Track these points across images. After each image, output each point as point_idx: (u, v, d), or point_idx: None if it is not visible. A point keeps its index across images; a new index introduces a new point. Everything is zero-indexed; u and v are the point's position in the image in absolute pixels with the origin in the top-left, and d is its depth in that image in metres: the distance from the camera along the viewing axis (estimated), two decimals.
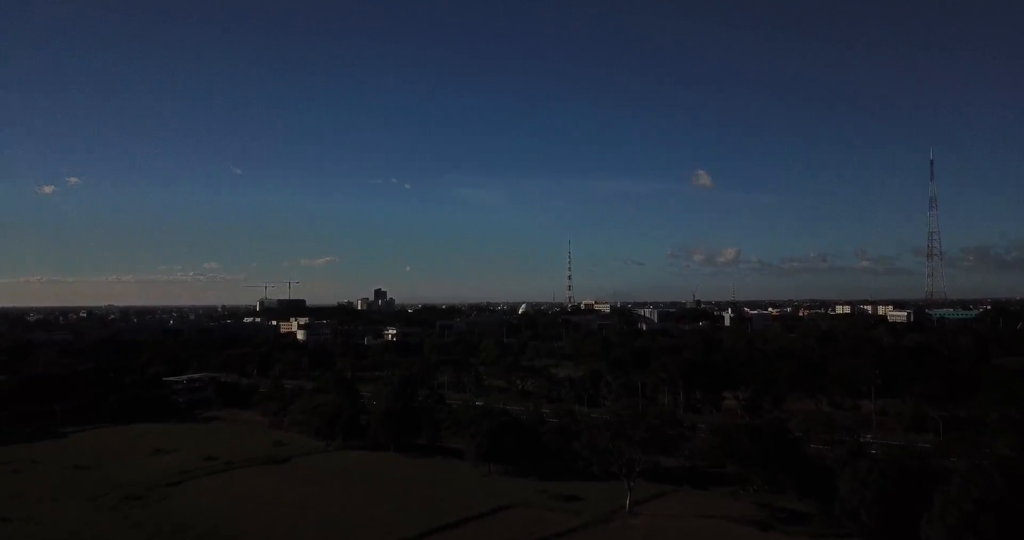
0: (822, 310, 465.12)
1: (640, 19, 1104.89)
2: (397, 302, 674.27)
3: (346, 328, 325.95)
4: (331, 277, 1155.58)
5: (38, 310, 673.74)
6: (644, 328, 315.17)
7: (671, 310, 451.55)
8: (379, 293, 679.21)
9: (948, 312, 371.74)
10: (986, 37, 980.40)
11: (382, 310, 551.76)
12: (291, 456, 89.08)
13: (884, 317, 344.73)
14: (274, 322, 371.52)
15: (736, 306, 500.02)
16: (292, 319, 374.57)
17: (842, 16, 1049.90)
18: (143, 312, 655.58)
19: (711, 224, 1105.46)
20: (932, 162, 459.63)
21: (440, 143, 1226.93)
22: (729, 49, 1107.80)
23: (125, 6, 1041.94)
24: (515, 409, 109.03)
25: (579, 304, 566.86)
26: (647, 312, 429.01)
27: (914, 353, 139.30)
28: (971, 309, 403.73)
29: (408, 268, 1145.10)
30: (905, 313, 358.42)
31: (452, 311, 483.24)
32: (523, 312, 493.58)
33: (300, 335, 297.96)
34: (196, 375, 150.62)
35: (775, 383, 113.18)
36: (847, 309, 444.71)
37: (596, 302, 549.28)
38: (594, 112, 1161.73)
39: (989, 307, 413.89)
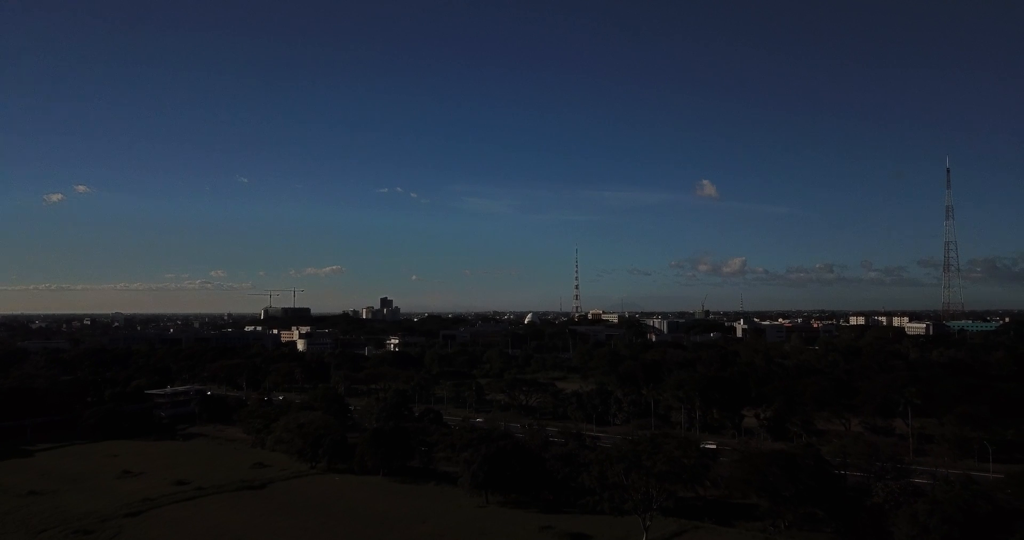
0: (834, 321, 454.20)
1: (647, 30, 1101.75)
2: (403, 311, 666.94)
3: (347, 337, 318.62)
4: (337, 286, 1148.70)
5: (44, 317, 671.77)
6: (653, 339, 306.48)
7: (680, 320, 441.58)
8: (385, 302, 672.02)
9: (967, 324, 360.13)
10: (990, 46, 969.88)
11: (386, 319, 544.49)
12: (270, 481, 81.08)
13: (902, 329, 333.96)
14: (276, 331, 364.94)
15: (746, 317, 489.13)
16: (294, 328, 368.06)
17: (851, 26, 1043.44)
18: (149, 320, 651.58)
19: (716, 234, 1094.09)
20: (948, 171, 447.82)
21: (447, 152, 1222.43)
22: (735, 59, 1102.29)
23: (132, 14, 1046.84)
24: (517, 427, 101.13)
25: (586, 314, 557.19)
26: (656, 322, 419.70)
27: (948, 369, 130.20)
28: (989, 321, 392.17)
29: (414, 277, 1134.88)
30: (923, 325, 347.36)
31: (457, 320, 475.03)
32: (529, 322, 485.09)
33: (301, 344, 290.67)
34: (181, 388, 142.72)
35: (800, 401, 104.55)
36: (860, 320, 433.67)
37: (604, 312, 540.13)
38: (600, 123, 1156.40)
39: (1006, 320, 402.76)
